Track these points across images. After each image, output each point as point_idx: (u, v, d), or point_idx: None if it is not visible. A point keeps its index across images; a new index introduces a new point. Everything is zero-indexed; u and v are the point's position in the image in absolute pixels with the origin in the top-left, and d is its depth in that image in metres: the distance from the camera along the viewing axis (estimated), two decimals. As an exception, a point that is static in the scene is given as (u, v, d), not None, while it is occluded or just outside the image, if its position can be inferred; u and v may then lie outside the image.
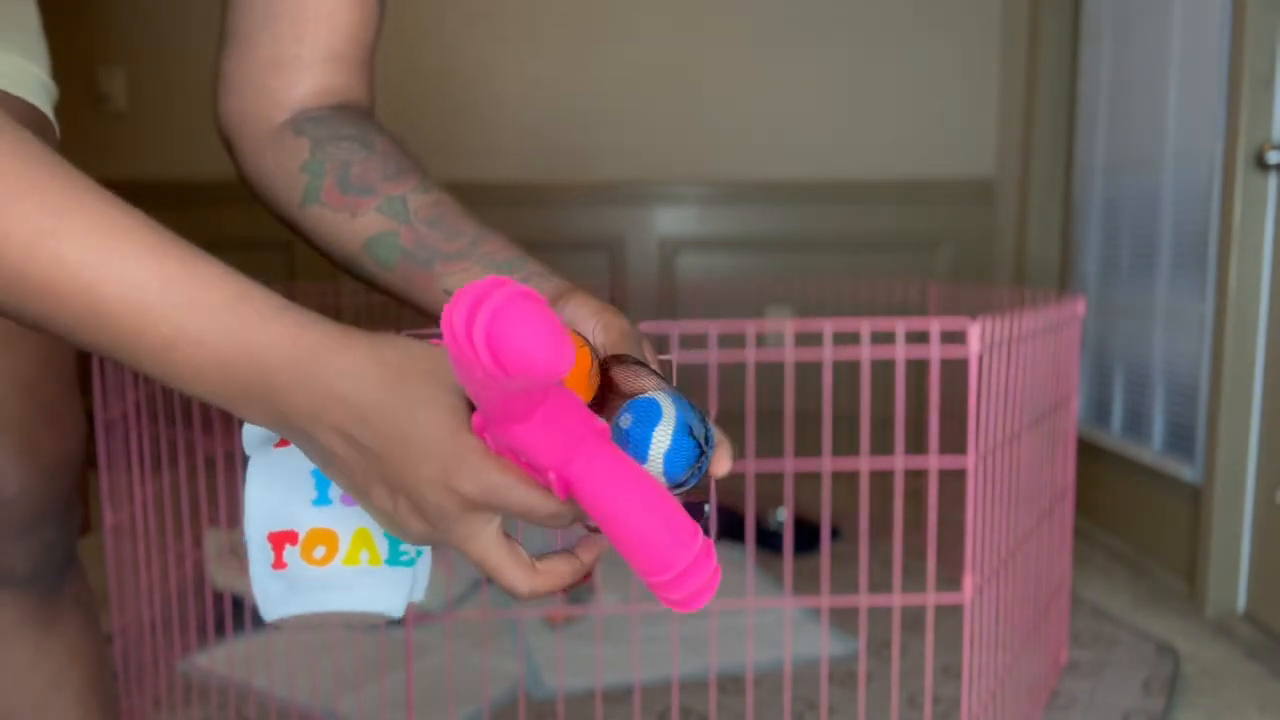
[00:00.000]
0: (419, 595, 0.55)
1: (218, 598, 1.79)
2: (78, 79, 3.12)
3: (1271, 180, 1.83)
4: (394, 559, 0.53)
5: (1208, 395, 1.98)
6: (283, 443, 0.53)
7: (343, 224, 0.67)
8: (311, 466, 0.52)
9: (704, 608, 1.38)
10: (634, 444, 0.49)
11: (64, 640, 0.83)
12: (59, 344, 0.77)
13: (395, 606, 0.53)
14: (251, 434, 0.55)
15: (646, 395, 0.51)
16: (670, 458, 0.49)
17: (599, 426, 0.47)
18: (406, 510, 0.47)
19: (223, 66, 0.70)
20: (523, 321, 0.39)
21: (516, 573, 0.49)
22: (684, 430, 0.49)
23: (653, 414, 0.49)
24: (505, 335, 0.38)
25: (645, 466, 0.49)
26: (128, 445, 1.40)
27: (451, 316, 0.40)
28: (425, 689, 1.53)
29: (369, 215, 0.66)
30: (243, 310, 0.45)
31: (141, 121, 3.14)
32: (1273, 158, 1.79)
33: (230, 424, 1.32)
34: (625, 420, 0.49)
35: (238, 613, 1.78)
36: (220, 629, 1.74)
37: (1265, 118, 1.83)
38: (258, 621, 1.75)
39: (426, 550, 0.55)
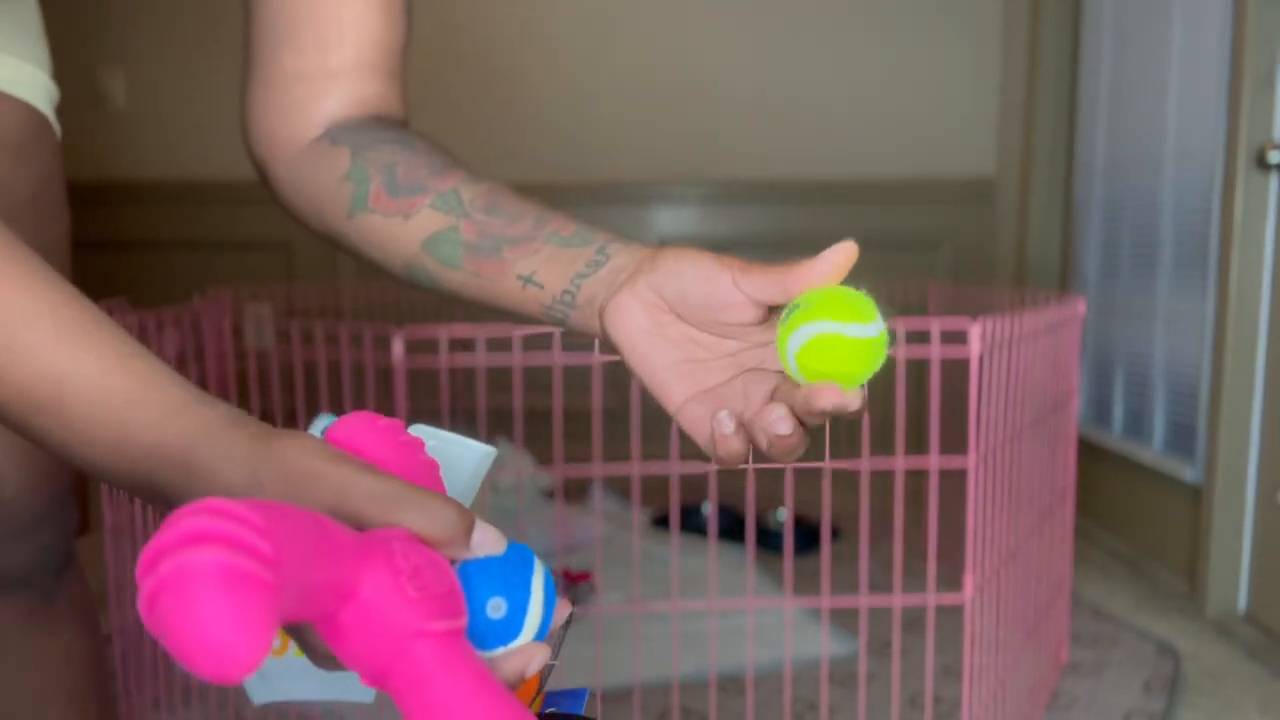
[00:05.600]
0: None
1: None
2: (77, 79, 3.11)
3: (1272, 180, 1.83)
4: None
5: (1208, 395, 1.98)
6: None
7: (396, 227, 0.63)
8: None
9: (705, 606, 1.36)
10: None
11: (62, 640, 0.83)
12: None
13: (363, 693, 0.49)
14: None
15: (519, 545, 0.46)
16: (546, 609, 0.45)
17: (432, 630, 0.39)
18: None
19: (247, 91, 0.68)
20: (193, 614, 0.30)
21: None
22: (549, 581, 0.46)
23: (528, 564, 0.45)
24: (166, 620, 0.30)
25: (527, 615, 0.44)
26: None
27: (145, 548, 0.32)
28: (425, 689, 1.53)
29: (423, 214, 0.62)
30: (128, 421, 0.44)
31: (141, 121, 3.14)
32: (1274, 157, 1.79)
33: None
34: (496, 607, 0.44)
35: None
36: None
37: (1266, 117, 1.83)
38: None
39: None
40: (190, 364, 1.37)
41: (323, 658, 0.42)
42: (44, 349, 0.44)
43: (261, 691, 0.51)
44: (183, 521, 0.31)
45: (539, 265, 0.60)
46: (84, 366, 0.44)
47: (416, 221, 0.62)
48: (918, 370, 1.28)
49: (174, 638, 0.30)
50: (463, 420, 2.46)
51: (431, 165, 0.64)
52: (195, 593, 0.30)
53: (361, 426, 0.46)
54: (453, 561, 0.43)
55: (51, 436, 0.44)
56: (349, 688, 0.48)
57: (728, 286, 0.52)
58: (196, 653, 0.30)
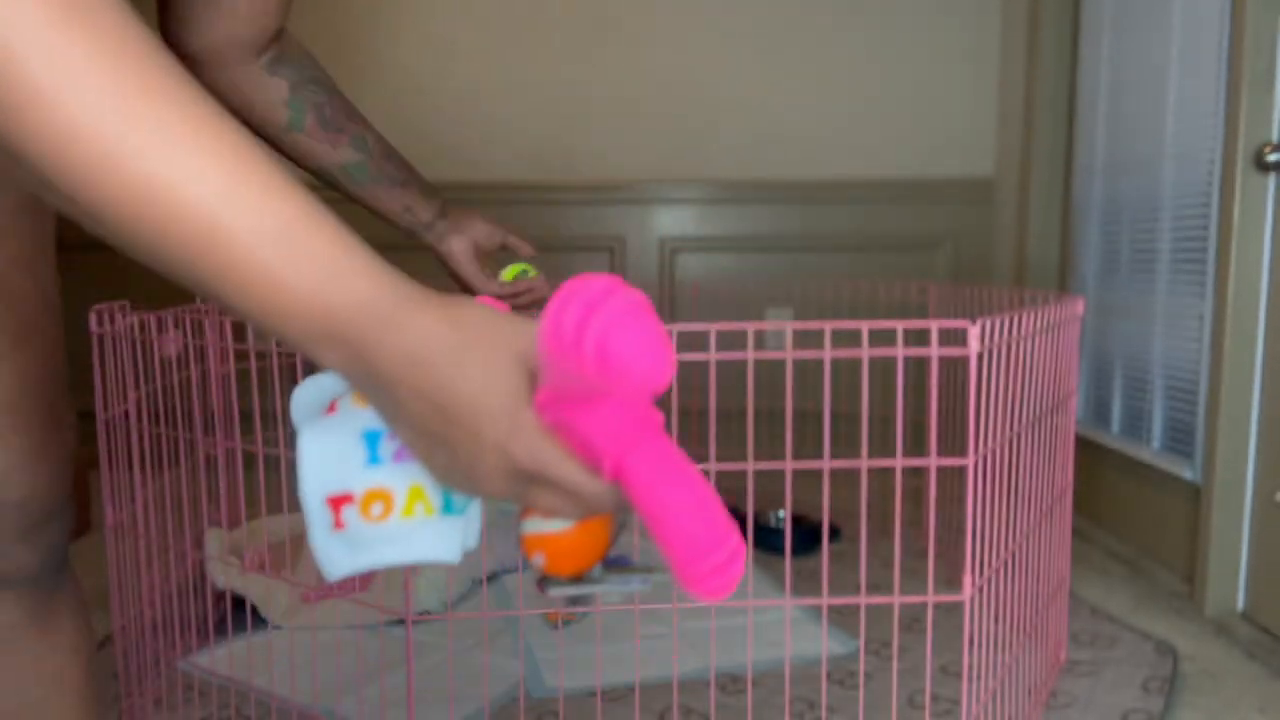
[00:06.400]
0: (472, 542, 0.58)
1: (218, 598, 1.79)
2: (78, 79, 3.11)
3: (1271, 180, 1.83)
4: (447, 508, 0.56)
5: (1207, 394, 1.98)
6: (330, 410, 0.56)
7: (325, 152, 1.06)
8: (361, 430, 0.54)
9: (706, 606, 1.37)
10: None
11: (64, 639, 0.84)
12: (57, 340, 0.78)
13: (452, 553, 0.56)
14: (299, 407, 0.57)
15: None
16: None
17: (656, 418, 0.49)
18: (465, 467, 0.49)
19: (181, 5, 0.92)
20: (633, 335, 0.40)
21: (579, 478, 0.49)
22: None
23: None
24: (616, 348, 0.40)
25: None
26: (128, 445, 1.40)
27: (560, 318, 0.40)
28: (425, 688, 1.53)
29: (345, 149, 1.06)
30: (343, 267, 0.46)
31: (141, 121, 3.14)
32: (1272, 158, 1.79)
33: (231, 424, 1.32)
34: None
35: (238, 613, 1.78)
36: (220, 629, 1.74)
37: (1264, 118, 1.83)
38: (258, 621, 1.75)
39: (477, 499, 0.58)
40: (191, 364, 1.37)
41: (506, 474, 0.49)
42: (278, 187, 0.45)
43: (344, 562, 0.56)
44: (592, 285, 0.42)
45: (414, 203, 1.14)
46: (306, 212, 0.46)
47: (340, 152, 1.06)
48: (917, 370, 1.28)
49: (629, 356, 0.40)
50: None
51: (346, 110, 1.06)
52: (641, 319, 0.41)
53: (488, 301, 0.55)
54: None
55: (245, 279, 0.45)
56: (441, 546, 0.56)
57: (500, 236, 1.24)
58: (649, 363, 0.41)
